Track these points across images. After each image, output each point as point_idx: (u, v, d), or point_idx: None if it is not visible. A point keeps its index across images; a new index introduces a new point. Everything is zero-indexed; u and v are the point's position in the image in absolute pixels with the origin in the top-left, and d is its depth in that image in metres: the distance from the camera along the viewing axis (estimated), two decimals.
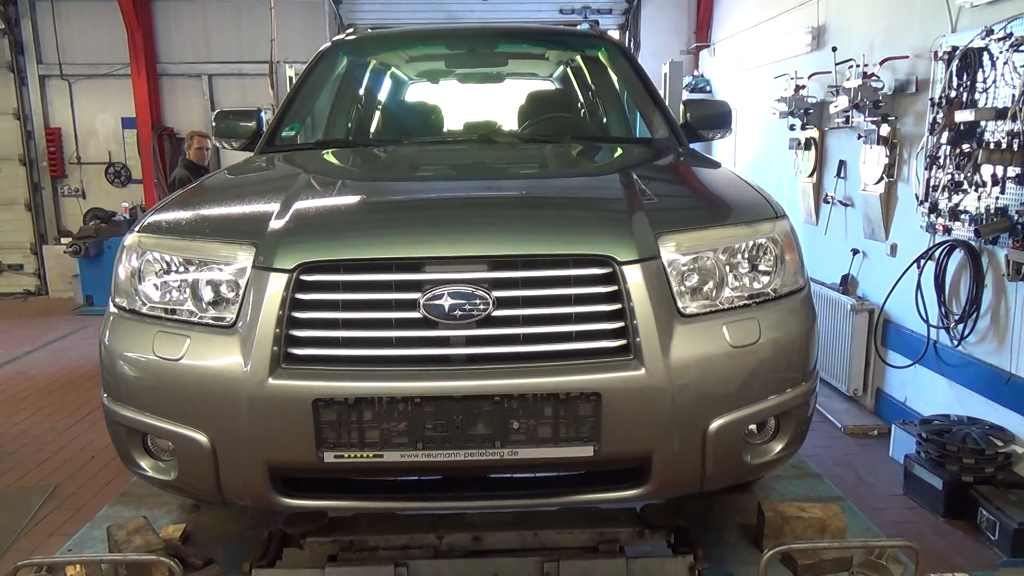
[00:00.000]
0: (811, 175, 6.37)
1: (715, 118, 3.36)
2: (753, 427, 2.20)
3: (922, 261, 4.72)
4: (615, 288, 2.04)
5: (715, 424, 2.07)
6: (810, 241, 6.43)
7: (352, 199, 2.56)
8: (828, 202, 6.12)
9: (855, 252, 5.75)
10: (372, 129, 4.22)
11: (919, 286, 4.77)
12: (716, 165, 2.90)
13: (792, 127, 6.48)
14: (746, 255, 2.23)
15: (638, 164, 2.92)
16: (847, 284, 5.84)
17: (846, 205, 5.88)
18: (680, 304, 2.11)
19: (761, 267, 2.24)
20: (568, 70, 4.79)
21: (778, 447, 2.24)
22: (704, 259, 2.17)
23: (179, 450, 2.13)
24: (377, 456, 2.02)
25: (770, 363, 2.15)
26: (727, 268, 2.20)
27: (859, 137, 5.44)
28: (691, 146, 3.32)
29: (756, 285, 2.23)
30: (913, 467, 4.29)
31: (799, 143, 6.47)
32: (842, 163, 5.93)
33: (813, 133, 6.30)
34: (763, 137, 7.69)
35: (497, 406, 1.99)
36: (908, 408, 5.11)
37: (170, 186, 7.46)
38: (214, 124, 3.44)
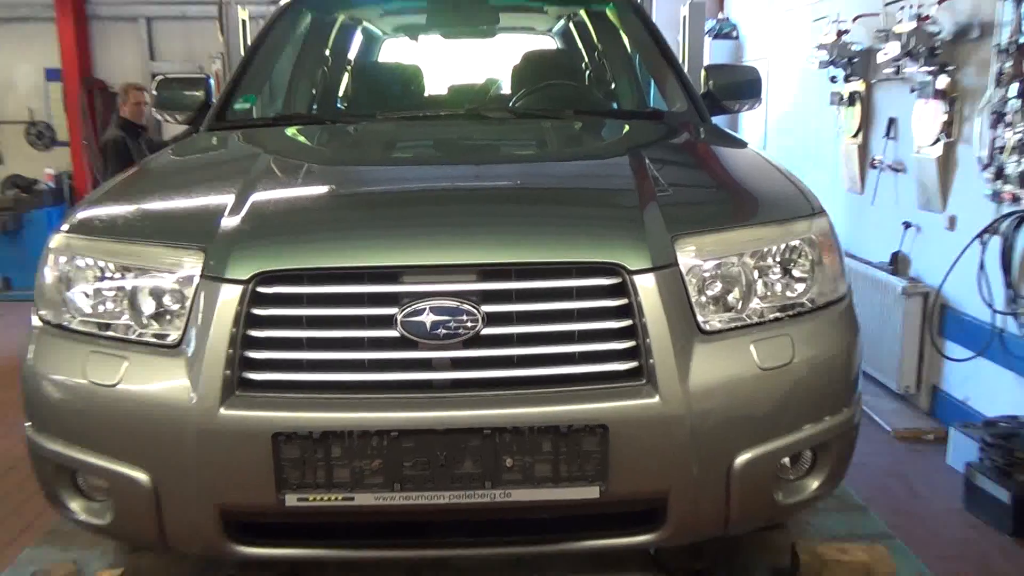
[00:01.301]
0: (855, 135, 6.35)
1: (742, 86, 3.34)
2: (786, 461, 2.21)
3: (986, 236, 4.72)
4: (625, 301, 2.04)
5: (741, 458, 2.09)
6: (854, 213, 6.43)
7: (318, 192, 2.55)
8: (875, 167, 6.11)
9: (907, 226, 5.76)
10: (341, 98, 4.20)
11: (982, 265, 4.77)
12: (742, 145, 2.89)
13: (833, 79, 6.45)
14: (778, 259, 2.23)
15: (652, 145, 2.91)
16: (897, 263, 5.85)
17: (896, 170, 5.88)
18: (701, 319, 2.11)
19: (795, 273, 2.24)
20: (571, 25, 4.77)
21: (815, 483, 2.25)
22: (729, 265, 2.17)
23: (115, 490, 2.14)
24: (347, 499, 2.03)
25: (806, 387, 2.15)
26: (755, 275, 2.20)
27: (912, 90, 5.42)
28: (714, 120, 3.31)
29: (789, 295, 2.23)
30: (975, 477, 4.29)
31: (841, 98, 6.45)
32: (892, 121, 5.92)
33: (858, 86, 6.27)
34: (799, 91, 7.66)
35: (487, 440, 2.00)
36: (969, 408, 5.14)
37: (102, 149, 7.40)
38: (155, 94, 3.41)
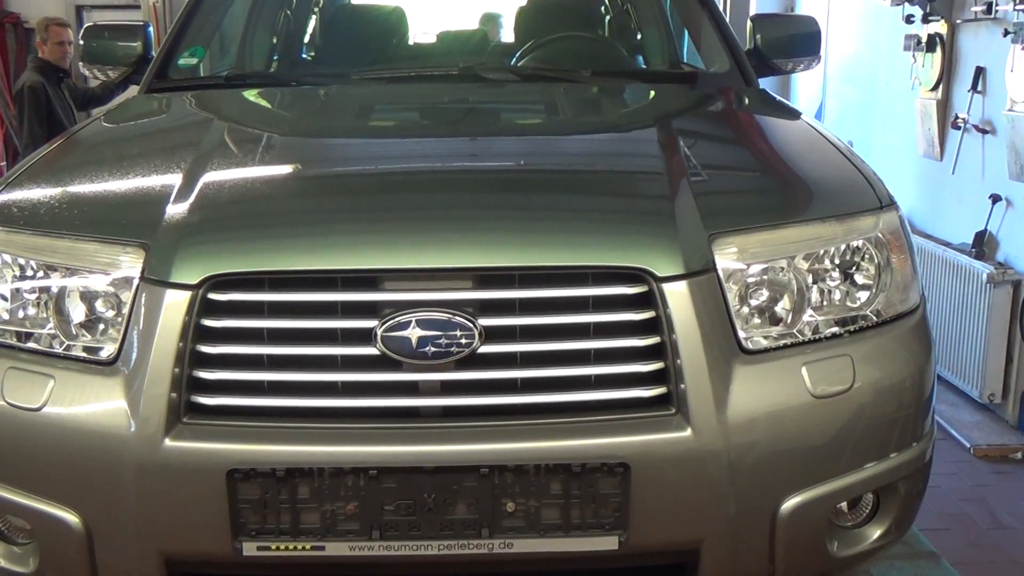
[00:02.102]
0: (934, 88, 6.32)
1: (796, 41, 3.34)
2: (843, 506, 2.23)
3: None
4: (651, 314, 2.05)
5: (789, 503, 2.11)
6: (930, 183, 6.41)
7: (281, 175, 2.57)
8: (958, 127, 6.09)
9: (995, 199, 5.73)
10: (307, 47, 4.18)
11: None
12: (795, 116, 2.90)
13: (910, 18, 6.41)
14: (837, 263, 2.24)
15: (685, 116, 2.93)
16: (983, 244, 5.83)
17: (984, 132, 5.85)
18: (742, 335, 2.13)
19: (858, 280, 2.26)
20: None
21: (877, 532, 2.28)
22: (777, 270, 2.19)
23: (40, 533, 2.16)
24: (316, 548, 2.05)
25: (868, 418, 2.17)
26: (809, 282, 2.21)
27: (1006, 34, 5.38)
28: (761, 83, 3.31)
29: (850, 306, 2.25)
30: None
31: (918, 42, 6.41)
32: (980, 71, 5.88)
33: (939, 28, 6.24)
34: (866, 33, 7.61)
35: (485, 480, 2.02)
36: None
37: (16, 97, 7.40)
38: (82, 43, 3.41)
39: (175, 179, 2.32)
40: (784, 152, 2.73)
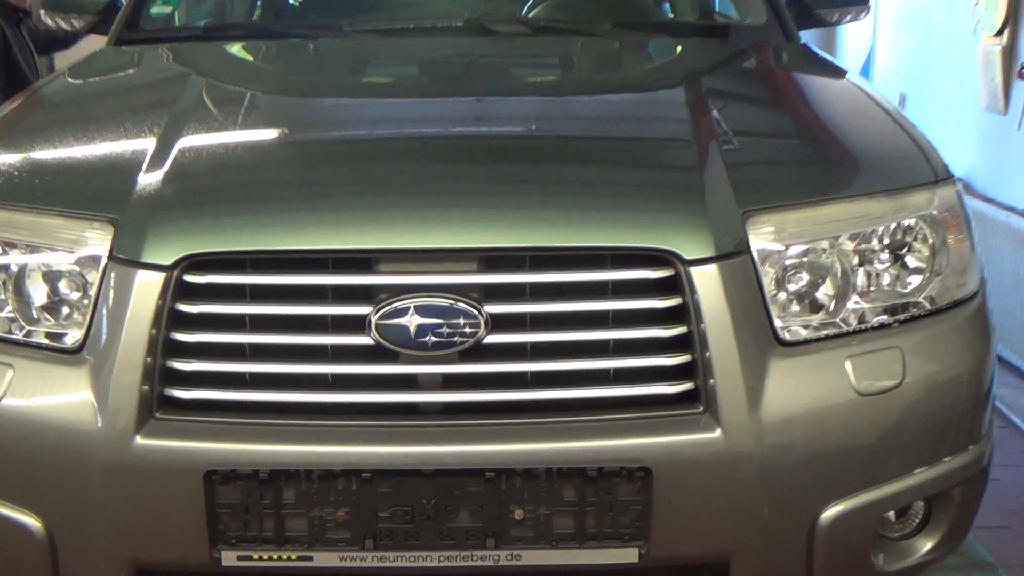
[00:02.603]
0: (999, 34, 6.27)
1: None
2: (890, 515, 2.24)
3: None
4: (678, 301, 2.05)
5: (830, 512, 2.11)
6: (993, 140, 6.38)
7: (266, 140, 2.56)
8: None
9: None
10: None
11: None
12: (840, 75, 2.88)
13: None
14: (886, 243, 2.24)
15: (716, 75, 2.92)
16: None
17: None
18: (779, 324, 2.13)
19: (910, 263, 2.25)
20: None
21: (928, 544, 2.28)
22: (819, 252, 2.18)
23: None
24: (303, 559, 2.06)
25: (920, 418, 2.17)
26: (855, 265, 2.21)
27: None
28: (803, 35, 3.29)
29: (901, 291, 2.24)
30: None
31: None
32: None
33: None
34: None
35: (490, 485, 2.03)
36: None
37: None
38: None
39: (147, 144, 2.32)
40: (828, 117, 2.72)
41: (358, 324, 2.04)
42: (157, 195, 2.16)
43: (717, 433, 2.02)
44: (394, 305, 2.02)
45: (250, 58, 3.15)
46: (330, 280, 2.06)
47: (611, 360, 2.07)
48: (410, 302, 2.02)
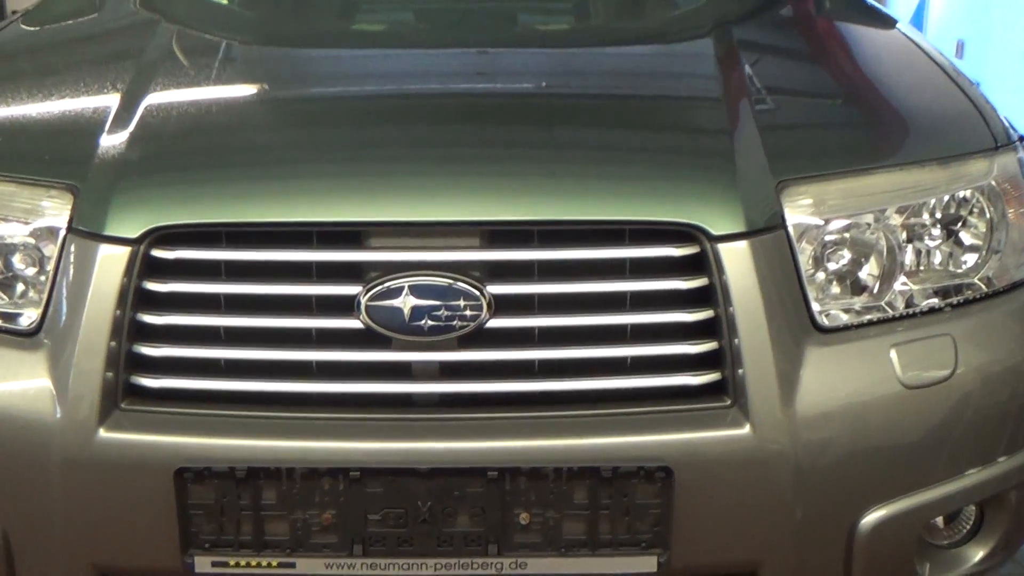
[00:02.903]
0: None
1: None
2: (938, 521, 2.21)
3: None
4: (704, 282, 2.02)
5: (871, 518, 2.07)
6: None
7: (243, 97, 2.54)
8: None
9: None
10: None
11: None
12: (888, 25, 2.85)
13: None
14: (938, 219, 2.20)
15: (747, 25, 2.87)
16: None
17: None
18: (816, 308, 2.09)
19: (964, 239, 2.22)
20: None
21: (980, 553, 2.25)
22: (862, 227, 2.15)
23: None
24: (285, 565, 2.04)
25: (973, 413, 2.14)
26: (903, 242, 2.18)
27: None
28: None
29: (954, 271, 2.22)
30: None
31: None
32: None
33: None
34: None
35: (493, 485, 1.99)
36: None
37: None
38: None
39: (110, 102, 2.29)
40: (874, 74, 2.68)
41: (346, 306, 2.00)
42: (121, 159, 2.13)
43: (746, 429, 1.99)
44: (386, 285, 1.98)
45: (226, 2, 3.10)
46: (315, 256, 2.02)
47: (628, 347, 2.04)
48: (404, 281, 1.98)
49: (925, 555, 2.19)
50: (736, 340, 2.00)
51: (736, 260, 2.00)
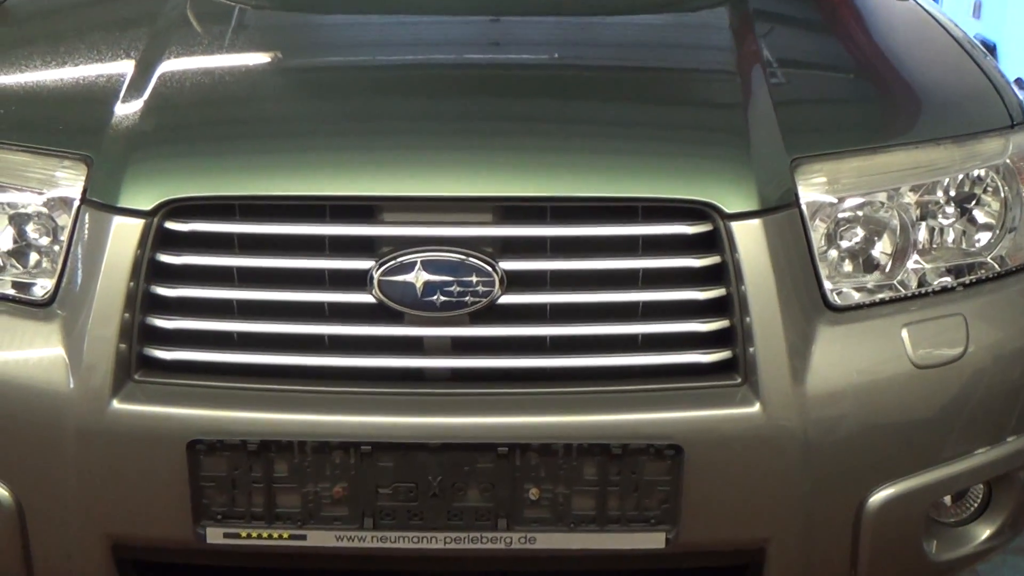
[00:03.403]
0: None
1: None
2: (946, 499, 2.21)
3: None
4: (716, 260, 2.02)
5: (878, 496, 2.08)
6: None
7: (258, 65, 2.52)
8: None
9: None
10: None
11: None
12: None
13: None
14: (952, 196, 2.19)
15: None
16: None
17: None
18: (828, 286, 2.09)
19: (978, 217, 2.21)
20: None
21: (987, 531, 2.26)
22: (875, 205, 2.14)
23: None
24: (296, 537, 2.05)
25: (983, 393, 2.14)
26: (916, 220, 2.17)
27: None
28: None
29: (967, 249, 2.21)
30: None
31: None
32: None
33: None
34: None
35: (503, 461, 2.00)
36: None
37: None
38: None
39: (124, 69, 2.28)
40: (890, 47, 2.66)
41: (358, 280, 2.00)
42: (135, 130, 2.13)
43: (756, 408, 1.99)
44: (399, 260, 1.98)
45: None
46: (328, 230, 2.02)
47: (640, 325, 2.03)
48: (417, 257, 1.98)
49: (932, 533, 2.20)
50: (747, 319, 2.00)
51: (749, 239, 2.00)
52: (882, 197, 2.14)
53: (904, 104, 2.42)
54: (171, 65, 2.29)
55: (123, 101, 2.18)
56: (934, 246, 2.19)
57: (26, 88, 2.43)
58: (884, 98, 2.47)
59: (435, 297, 1.98)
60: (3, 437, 2.08)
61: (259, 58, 2.53)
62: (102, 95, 2.23)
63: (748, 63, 2.32)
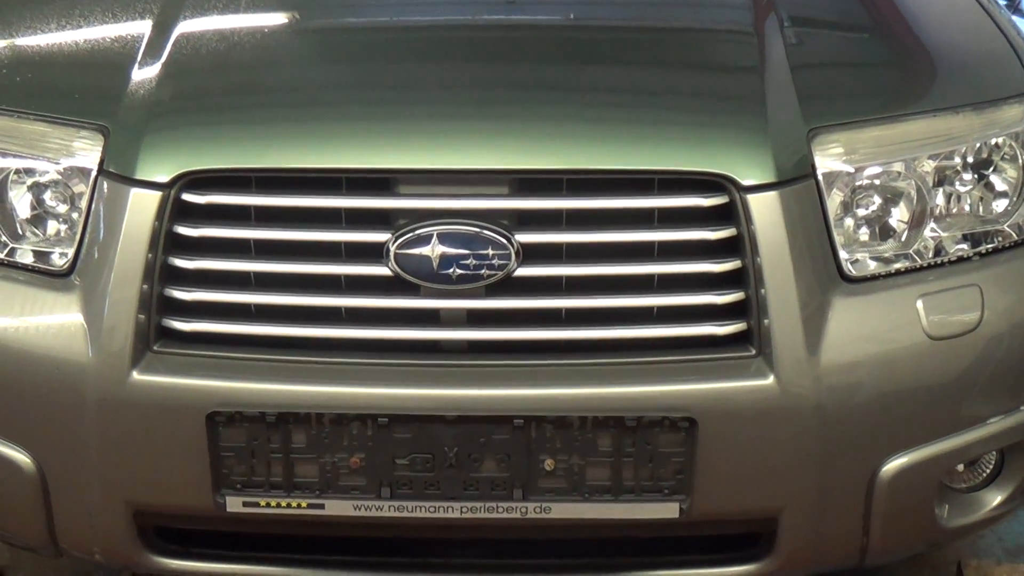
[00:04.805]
0: None
1: None
2: (960, 467, 2.23)
3: None
4: (731, 232, 2.02)
5: (891, 465, 2.09)
6: None
7: (276, 34, 2.50)
8: None
9: None
10: None
11: None
12: None
13: None
14: (969, 163, 2.18)
15: None
16: None
17: None
18: (844, 256, 2.10)
19: (996, 184, 2.20)
20: None
21: (998, 497, 2.27)
22: (893, 175, 2.13)
23: None
24: (314, 506, 2.08)
25: (997, 363, 2.15)
26: (933, 186, 2.16)
27: None
28: None
29: (983, 216, 2.21)
30: None
31: None
32: None
33: None
34: None
35: (519, 432, 2.02)
36: None
37: None
38: None
39: (141, 30, 2.27)
40: (909, 10, 2.61)
41: (375, 252, 2.02)
42: (152, 99, 2.13)
43: (770, 379, 2.00)
44: (415, 232, 1.99)
45: None
46: (344, 203, 2.03)
47: (655, 297, 2.04)
48: (433, 229, 1.99)
49: (944, 498, 2.21)
50: (762, 291, 2.00)
51: (765, 211, 2.00)
52: (899, 167, 2.14)
53: (922, 68, 2.40)
54: (188, 26, 2.29)
55: (139, 66, 2.19)
56: (951, 212, 2.19)
57: (41, 53, 2.43)
58: (902, 62, 2.46)
59: (451, 270, 1.99)
60: (24, 405, 2.11)
61: (276, 19, 2.51)
62: (118, 59, 2.23)
63: (765, 24, 2.31)
